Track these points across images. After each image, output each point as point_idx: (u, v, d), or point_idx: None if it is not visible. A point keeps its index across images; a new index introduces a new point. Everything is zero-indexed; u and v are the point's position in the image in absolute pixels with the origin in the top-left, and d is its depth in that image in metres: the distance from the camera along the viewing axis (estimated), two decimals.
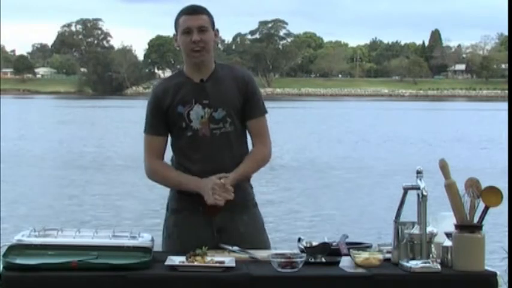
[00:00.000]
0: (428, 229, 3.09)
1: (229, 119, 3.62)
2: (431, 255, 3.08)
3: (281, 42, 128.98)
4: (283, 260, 3.04)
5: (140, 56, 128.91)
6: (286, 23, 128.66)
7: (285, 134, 31.61)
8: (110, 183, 18.37)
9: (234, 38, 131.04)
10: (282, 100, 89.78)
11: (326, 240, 3.30)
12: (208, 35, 3.60)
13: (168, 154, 3.73)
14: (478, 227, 3.09)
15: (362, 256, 3.10)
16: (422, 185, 3.11)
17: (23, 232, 3.16)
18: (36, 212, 13.92)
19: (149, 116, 3.69)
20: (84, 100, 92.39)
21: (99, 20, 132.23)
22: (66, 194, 16.36)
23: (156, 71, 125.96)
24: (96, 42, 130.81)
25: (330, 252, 3.20)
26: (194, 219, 3.61)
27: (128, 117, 47.73)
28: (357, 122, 46.42)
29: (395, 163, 22.41)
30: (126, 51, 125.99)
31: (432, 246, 3.10)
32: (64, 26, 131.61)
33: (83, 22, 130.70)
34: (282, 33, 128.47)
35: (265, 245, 3.66)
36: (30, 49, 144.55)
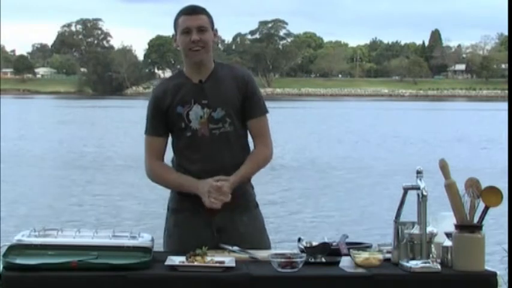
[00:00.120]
0: (428, 229, 3.09)
1: (229, 119, 3.62)
2: (431, 255, 3.08)
3: (281, 42, 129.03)
4: (283, 260, 3.04)
5: (140, 56, 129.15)
6: (286, 23, 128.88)
7: (285, 134, 31.60)
8: (110, 183, 18.37)
9: (234, 38, 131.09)
10: (282, 100, 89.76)
11: (326, 240, 3.30)
12: (208, 34, 3.60)
13: (169, 155, 3.73)
14: (478, 227, 3.09)
15: (362, 256, 3.10)
16: (422, 185, 3.11)
17: (23, 232, 3.16)
18: (36, 212, 13.91)
19: (149, 116, 3.69)
20: (84, 100, 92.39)
21: (99, 20, 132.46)
22: (66, 194, 16.35)
23: (156, 71, 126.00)
24: (96, 42, 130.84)
25: (330, 252, 3.20)
26: (194, 219, 3.61)
27: (128, 117, 47.76)
28: (357, 122, 46.42)
29: (395, 163, 22.41)
30: (126, 51, 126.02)
31: (432, 246, 3.10)
32: (64, 26, 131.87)
33: (83, 22, 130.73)
34: (282, 33, 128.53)
35: (266, 246, 3.65)
36: (30, 49, 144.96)
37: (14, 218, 13.07)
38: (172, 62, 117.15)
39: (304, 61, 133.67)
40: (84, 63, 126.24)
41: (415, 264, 3.04)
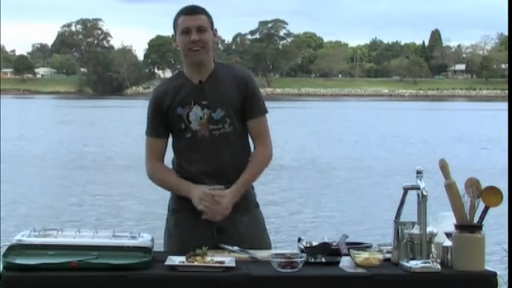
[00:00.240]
0: (428, 229, 3.09)
1: (229, 119, 3.61)
2: (431, 255, 3.08)
3: (281, 42, 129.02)
4: (283, 260, 3.04)
5: (140, 56, 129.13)
6: (286, 23, 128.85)
7: (285, 134, 31.60)
8: (111, 183, 18.37)
9: (234, 38, 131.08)
10: (282, 100, 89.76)
11: (326, 240, 3.30)
12: (207, 34, 3.60)
13: (170, 155, 3.73)
14: (478, 227, 3.09)
15: (362, 256, 3.10)
16: (422, 185, 3.11)
17: (23, 232, 3.16)
18: (36, 212, 13.91)
19: (150, 117, 3.69)
20: (84, 100, 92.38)
21: (99, 20, 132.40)
22: (66, 194, 16.35)
23: (156, 71, 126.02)
24: (96, 42, 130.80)
25: (330, 252, 3.20)
26: (195, 219, 3.60)
27: (128, 117, 47.76)
28: (357, 122, 46.42)
29: (395, 163, 22.41)
30: (126, 51, 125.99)
31: (432, 246, 3.10)
32: (64, 26, 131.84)
33: (83, 22, 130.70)
34: (282, 33, 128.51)
35: (266, 246, 3.65)
36: (30, 49, 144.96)
37: (14, 218, 13.07)
38: (173, 62, 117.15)
39: (304, 61, 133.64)
40: (84, 63, 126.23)
41: (415, 264, 3.04)
